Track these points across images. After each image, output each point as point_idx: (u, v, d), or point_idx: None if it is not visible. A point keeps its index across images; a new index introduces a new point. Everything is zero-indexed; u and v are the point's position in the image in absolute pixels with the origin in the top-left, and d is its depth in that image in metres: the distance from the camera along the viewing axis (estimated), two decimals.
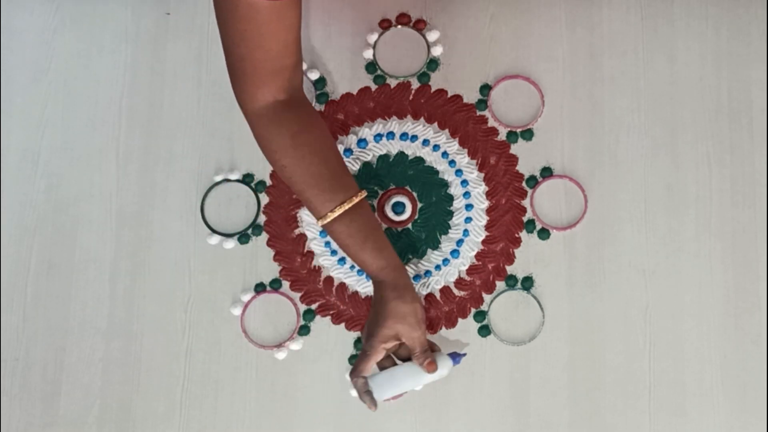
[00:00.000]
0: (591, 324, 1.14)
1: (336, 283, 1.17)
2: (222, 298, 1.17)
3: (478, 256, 1.17)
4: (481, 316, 1.15)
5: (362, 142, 1.19)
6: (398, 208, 1.17)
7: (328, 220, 1.01)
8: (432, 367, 1.02)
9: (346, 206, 1.01)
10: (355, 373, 1.03)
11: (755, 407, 1.12)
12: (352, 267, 1.17)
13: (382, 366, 1.05)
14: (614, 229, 1.16)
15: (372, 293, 1.16)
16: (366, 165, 1.19)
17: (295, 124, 1.00)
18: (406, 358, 1.05)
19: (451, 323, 1.15)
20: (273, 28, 0.92)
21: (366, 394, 1.03)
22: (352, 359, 1.15)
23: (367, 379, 1.04)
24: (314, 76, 1.21)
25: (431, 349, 1.05)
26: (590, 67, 1.20)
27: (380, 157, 1.19)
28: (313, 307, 1.17)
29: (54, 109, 1.22)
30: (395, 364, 1.05)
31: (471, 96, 1.20)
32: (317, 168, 1.01)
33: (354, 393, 1.14)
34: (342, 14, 1.22)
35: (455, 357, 1.05)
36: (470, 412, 1.13)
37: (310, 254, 1.18)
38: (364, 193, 1.03)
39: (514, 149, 1.18)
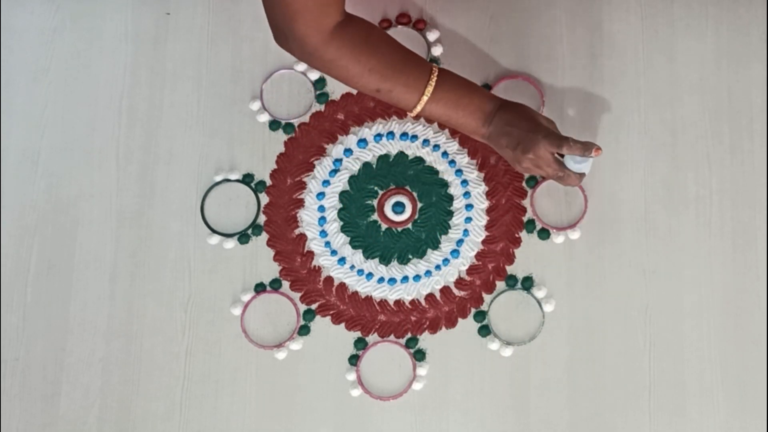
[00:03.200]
0: (591, 324, 1.14)
1: (336, 283, 1.17)
2: (222, 298, 1.17)
3: (478, 256, 1.17)
4: (481, 316, 1.15)
5: (362, 142, 1.19)
6: (398, 208, 1.17)
7: (421, 106, 1.05)
8: (599, 151, 1.03)
9: (432, 84, 1.04)
10: (562, 141, 1.03)
11: (755, 407, 1.12)
12: (352, 267, 1.17)
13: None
14: (614, 229, 1.16)
15: (369, 294, 1.16)
16: (366, 165, 1.19)
17: (363, 29, 1.03)
18: None
19: (451, 323, 1.15)
20: None
21: (587, 145, 1.02)
22: (353, 359, 1.15)
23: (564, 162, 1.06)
24: (314, 76, 1.21)
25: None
26: (590, 67, 1.20)
27: (380, 157, 1.19)
28: (313, 307, 1.17)
29: (54, 109, 1.22)
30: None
31: None
32: (397, 57, 1.04)
33: (355, 393, 1.14)
34: None
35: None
36: (470, 412, 1.13)
37: (310, 254, 1.18)
38: (436, 68, 1.05)
39: None
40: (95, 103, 1.22)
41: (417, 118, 1.14)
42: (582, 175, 1.07)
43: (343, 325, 1.16)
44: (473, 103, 1.06)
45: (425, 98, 1.04)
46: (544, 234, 1.16)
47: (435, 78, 1.04)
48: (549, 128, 1.06)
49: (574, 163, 1.06)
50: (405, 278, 1.16)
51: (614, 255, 1.15)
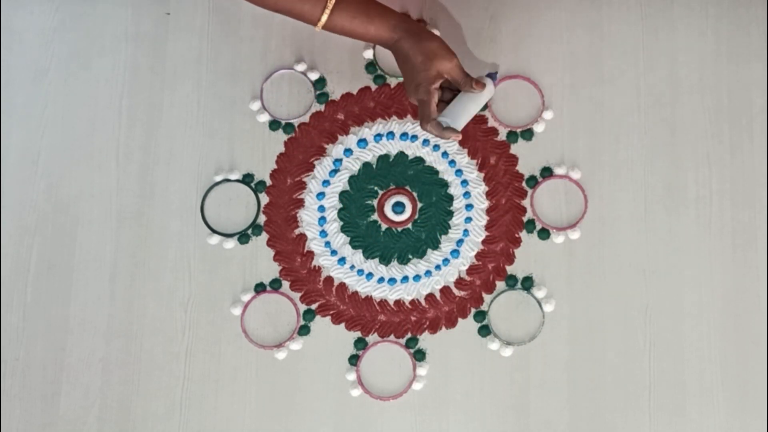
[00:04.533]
0: (591, 324, 1.14)
1: (336, 283, 1.17)
2: (222, 298, 1.17)
3: (478, 256, 1.17)
4: (481, 316, 1.15)
5: (362, 142, 1.19)
6: (398, 208, 1.17)
7: (326, 17, 1.05)
8: (480, 85, 1.07)
9: None
10: (424, 121, 1.07)
11: (755, 407, 1.12)
12: (352, 267, 1.17)
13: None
14: (614, 229, 1.16)
15: (369, 294, 1.16)
16: (366, 165, 1.19)
17: None
18: (451, 100, 1.09)
19: (451, 323, 1.15)
20: None
21: (446, 131, 1.06)
22: (353, 359, 1.15)
23: (437, 119, 1.06)
24: (314, 76, 1.21)
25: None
26: (590, 67, 1.20)
27: (380, 157, 1.19)
28: (313, 307, 1.17)
29: (54, 109, 1.22)
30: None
31: None
32: None
33: (355, 393, 1.14)
34: None
35: (492, 75, 1.10)
36: (470, 412, 1.13)
37: (310, 254, 1.18)
38: None
39: (514, 149, 1.19)
40: (95, 103, 1.22)
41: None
42: (457, 132, 1.07)
43: (343, 325, 1.16)
44: (379, 15, 1.06)
45: (328, 10, 1.04)
46: (544, 234, 1.16)
47: None
48: (424, 96, 1.05)
49: (447, 119, 1.07)
50: (405, 278, 1.16)
51: (614, 255, 1.15)
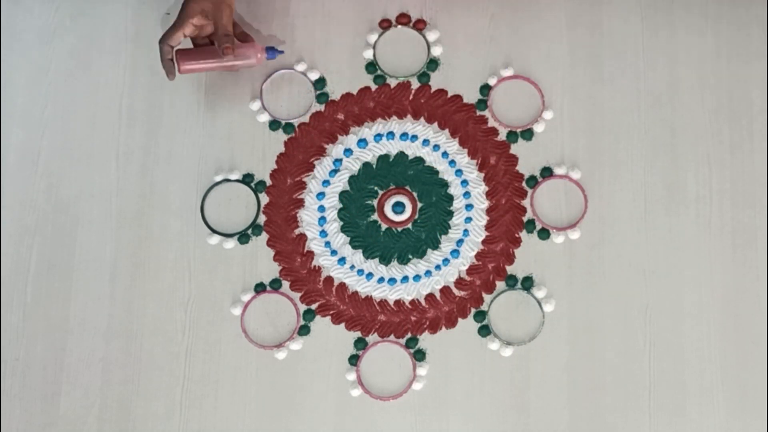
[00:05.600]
0: (591, 324, 1.14)
1: (336, 283, 1.17)
2: (222, 298, 1.17)
3: (478, 256, 1.17)
4: (481, 316, 1.15)
5: (362, 142, 1.19)
6: (398, 208, 1.17)
7: None
8: (228, 51, 1.11)
9: None
10: (163, 40, 1.12)
11: (755, 407, 1.12)
12: (352, 267, 1.17)
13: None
14: (614, 229, 1.16)
15: (369, 294, 1.17)
16: (366, 165, 1.19)
17: None
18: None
19: (451, 323, 1.15)
20: None
21: (168, 61, 1.13)
22: (353, 359, 1.15)
23: (173, 48, 1.13)
24: (314, 76, 1.21)
25: (244, 40, 1.16)
26: (590, 67, 1.20)
27: (380, 157, 1.19)
28: (313, 307, 1.17)
29: (54, 109, 1.22)
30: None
31: (471, 96, 1.20)
32: None
33: (355, 393, 1.14)
34: (342, 14, 1.23)
35: (271, 51, 1.16)
36: (470, 412, 1.13)
37: (310, 254, 1.18)
38: None
39: (514, 149, 1.19)
40: (95, 103, 1.22)
41: None
42: (173, 72, 1.14)
43: (343, 325, 1.16)
44: None
45: None
46: (544, 234, 1.16)
47: None
48: (186, 19, 1.11)
49: (180, 54, 1.13)
50: (405, 278, 1.16)
51: (614, 255, 1.15)
